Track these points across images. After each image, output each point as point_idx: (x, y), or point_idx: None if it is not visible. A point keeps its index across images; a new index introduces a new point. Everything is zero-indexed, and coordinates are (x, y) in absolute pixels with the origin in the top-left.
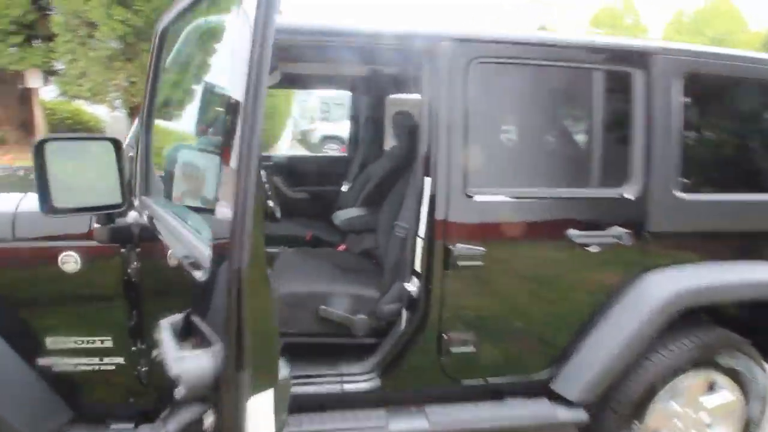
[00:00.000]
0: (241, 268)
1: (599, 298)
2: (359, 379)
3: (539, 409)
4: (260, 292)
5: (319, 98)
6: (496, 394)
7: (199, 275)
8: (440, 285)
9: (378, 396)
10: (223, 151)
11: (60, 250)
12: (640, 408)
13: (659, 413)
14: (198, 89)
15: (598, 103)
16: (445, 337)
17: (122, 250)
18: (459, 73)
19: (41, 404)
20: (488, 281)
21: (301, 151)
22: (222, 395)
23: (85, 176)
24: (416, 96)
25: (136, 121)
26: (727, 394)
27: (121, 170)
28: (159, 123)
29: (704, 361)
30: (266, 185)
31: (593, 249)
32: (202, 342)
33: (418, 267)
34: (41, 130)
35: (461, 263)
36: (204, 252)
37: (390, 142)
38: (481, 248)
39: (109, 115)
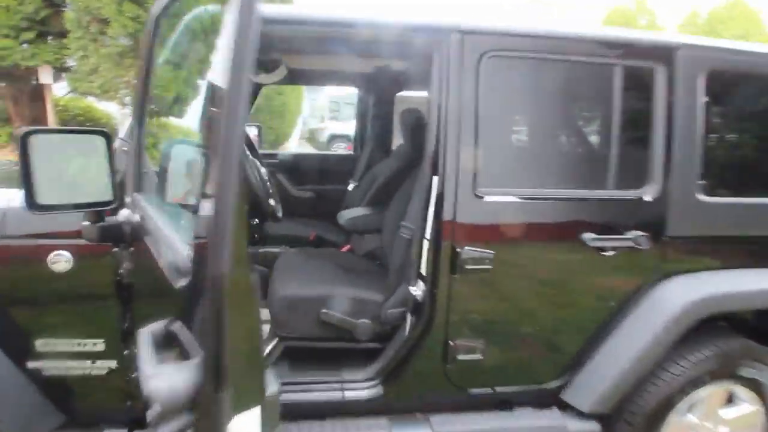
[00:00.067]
0: (220, 274)
1: (614, 304)
2: (361, 386)
3: (549, 420)
4: (243, 301)
5: (330, 97)
6: (504, 403)
7: (178, 280)
8: (447, 289)
9: (380, 404)
10: (205, 145)
11: (51, 248)
12: (655, 420)
13: (676, 426)
14: (191, 80)
15: (617, 100)
16: (451, 343)
17: (114, 249)
18: (469, 67)
19: (31, 409)
20: (497, 286)
21: (308, 150)
22: (200, 418)
23: (74, 172)
24: (425, 93)
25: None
26: (747, 407)
27: (111, 165)
28: (152, 116)
29: (724, 371)
30: (268, 183)
31: (609, 253)
32: (183, 353)
33: (424, 270)
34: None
35: (469, 267)
36: (183, 253)
37: (398, 141)
38: (491, 251)
39: (119, 112)
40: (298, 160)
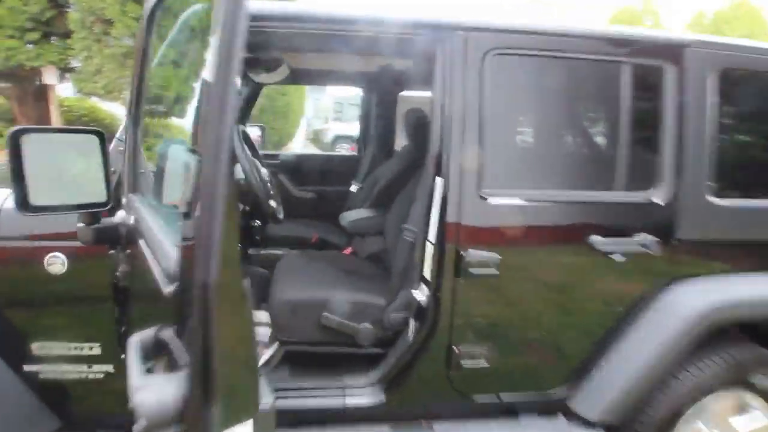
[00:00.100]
0: (208, 281)
1: (622, 309)
2: (362, 393)
3: (555, 428)
4: (234, 309)
5: (334, 98)
6: (509, 411)
7: (166, 285)
8: (451, 294)
9: (382, 411)
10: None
11: (46, 250)
12: (665, 429)
13: None
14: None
15: (625, 99)
16: (455, 349)
17: (111, 251)
18: (474, 65)
19: (27, 412)
20: (503, 290)
21: (311, 151)
22: None
23: (67, 172)
24: (428, 93)
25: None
26: (759, 416)
27: (106, 165)
28: (148, 115)
29: (736, 380)
30: (269, 184)
31: (617, 257)
32: (172, 363)
33: (427, 274)
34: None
35: (474, 270)
36: (172, 257)
37: (401, 142)
38: (496, 255)
39: (123, 112)
40: (300, 160)
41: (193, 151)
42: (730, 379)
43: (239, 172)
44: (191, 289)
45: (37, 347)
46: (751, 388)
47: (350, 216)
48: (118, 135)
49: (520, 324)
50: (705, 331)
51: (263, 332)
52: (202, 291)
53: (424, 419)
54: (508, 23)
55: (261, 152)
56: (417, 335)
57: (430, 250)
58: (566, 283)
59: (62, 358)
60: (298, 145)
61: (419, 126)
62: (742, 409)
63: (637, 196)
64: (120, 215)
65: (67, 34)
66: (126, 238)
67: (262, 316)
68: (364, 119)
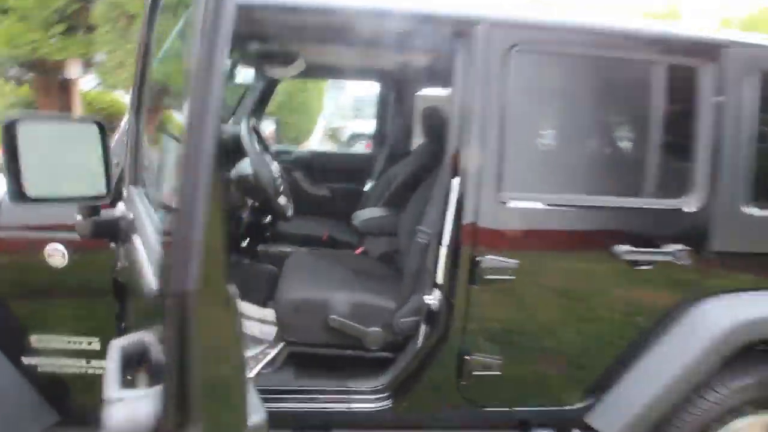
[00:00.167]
0: (185, 289)
1: (647, 323)
2: (369, 398)
3: None
4: (218, 321)
5: (353, 96)
6: (522, 424)
7: (151, 286)
8: (464, 300)
9: (389, 418)
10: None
11: (46, 241)
12: None
13: None
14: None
15: (658, 100)
16: (466, 357)
17: (111, 245)
18: (496, 61)
19: (25, 406)
20: (519, 298)
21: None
22: None
23: (65, 162)
24: (447, 91)
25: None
26: None
27: (106, 156)
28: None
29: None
30: (279, 180)
31: (643, 267)
32: (153, 375)
33: (440, 278)
34: None
35: (489, 277)
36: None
37: (418, 140)
38: (513, 261)
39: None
40: (314, 157)
41: (174, 138)
42: (763, 401)
43: (247, 168)
44: (167, 298)
45: (35, 340)
46: None
47: (363, 215)
48: (123, 126)
49: (537, 334)
50: (737, 349)
51: (268, 331)
52: (179, 300)
53: (432, 428)
54: (534, 18)
55: (275, 148)
56: (427, 342)
57: (444, 253)
58: (587, 294)
59: (61, 351)
60: (315, 142)
61: (437, 124)
62: None
63: (666, 204)
64: (120, 208)
65: (91, 28)
66: (125, 233)
67: (268, 314)
68: (381, 116)
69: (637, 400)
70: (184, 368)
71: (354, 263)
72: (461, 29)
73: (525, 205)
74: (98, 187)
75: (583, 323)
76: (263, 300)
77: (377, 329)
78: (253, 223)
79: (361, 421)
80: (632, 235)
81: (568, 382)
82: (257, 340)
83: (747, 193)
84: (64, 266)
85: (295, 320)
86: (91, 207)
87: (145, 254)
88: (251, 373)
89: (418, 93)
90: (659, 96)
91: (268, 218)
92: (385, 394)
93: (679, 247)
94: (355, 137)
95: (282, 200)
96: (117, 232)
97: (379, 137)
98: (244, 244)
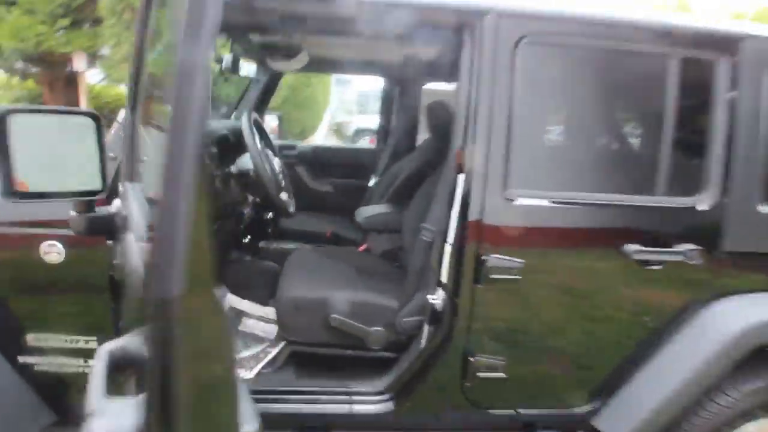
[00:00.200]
0: (168, 296)
1: (656, 324)
2: (371, 400)
3: None
4: (205, 327)
5: (358, 91)
6: (528, 426)
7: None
8: (469, 300)
9: (391, 420)
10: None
11: (43, 238)
12: None
13: None
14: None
15: (671, 95)
16: (471, 359)
17: (109, 242)
18: (504, 54)
19: (21, 406)
20: (525, 299)
21: (333, 143)
22: None
23: (59, 156)
24: (454, 85)
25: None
26: None
27: (102, 150)
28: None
29: None
30: (281, 176)
31: (653, 267)
32: (139, 383)
33: (444, 277)
34: None
35: (495, 276)
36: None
37: (423, 136)
38: (520, 260)
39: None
40: (318, 152)
41: (158, 128)
42: None
43: (248, 163)
44: (149, 303)
45: (32, 338)
46: None
47: (366, 211)
48: (119, 120)
49: (543, 335)
50: (750, 351)
51: (270, 329)
52: (162, 307)
53: (435, 431)
54: (544, 8)
55: (278, 142)
56: (431, 342)
57: (448, 252)
58: (595, 294)
59: (58, 350)
60: (321, 137)
61: (442, 119)
62: None
63: (678, 202)
64: (116, 204)
65: (96, 21)
66: (121, 230)
67: (269, 312)
68: (385, 111)
69: (645, 404)
70: (168, 379)
71: (357, 261)
72: (468, 20)
73: (532, 203)
74: (93, 182)
75: (591, 324)
76: (265, 298)
77: (379, 329)
78: (255, 219)
79: (362, 423)
80: (642, 234)
81: (575, 384)
82: (258, 339)
83: (762, 192)
84: (60, 263)
85: (295, 319)
86: (86, 203)
87: (137, 253)
88: (251, 373)
89: (424, 87)
90: (673, 90)
91: (270, 214)
92: (388, 396)
93: (691, 246)
94: (360, 132)
95: (284, 196)
96: (113, 229)
97: (383, 132)
98: (246, 240)
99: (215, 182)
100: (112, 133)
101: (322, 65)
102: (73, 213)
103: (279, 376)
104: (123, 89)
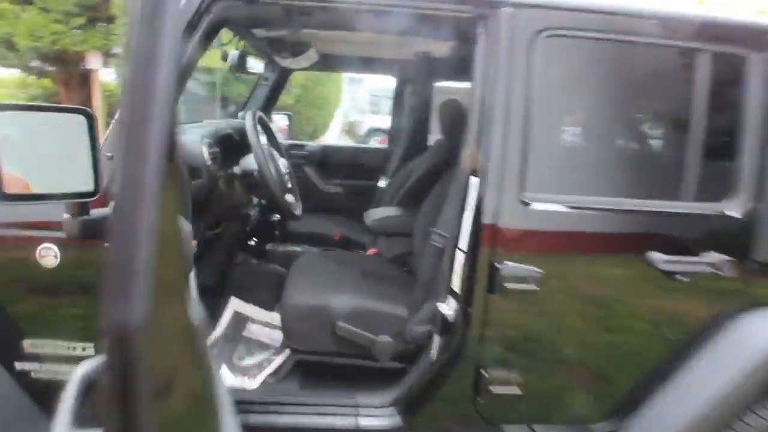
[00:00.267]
0: (126, 327)
1: (683, 339)
2: (378, 413)
3: None
4: (176, 361)
5: (371, 90)
6: None
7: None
8: (482, 310)
9: None
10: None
11: (39, 240)
12: None
13: None
14: None
15: (700, 93)
16: (484, 373)
17: (106, 245)
18: (522, 48)
19: (18, 413)
20: (542, 310)
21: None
22: None
23: (50, 156)
24: (467, 84)
25: None
26: None
27: (95, 150)
28: None
29: None
30: (286, 177)
31: (681, 278)
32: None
33: (456, 286)
34: (101, 112)
35: (510, 285)
36: None
37: (436, 136)
38: (537, 269)
39: None
40: (328, 152)
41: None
42: None
43: (252, 164)
44: (104, 334)
45: (29, 345)
46: None
47: (376, 214)
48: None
49: (562, 348)
50: None
51: (276, 336)
52: (119, 339)
53: None
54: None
55: (287, 142)
56: (441, 354)
57: (460, 259)
58: (616, 305)
59: (55, 357)
60: (333, 137)
61: (455, 118)
62: None
63: (708, 208)
64: (112, 206)
65: (111, 20)
66: None
67: (275, 317)
68: (396, 110)
69: (671, 423)
70: (130, 417)
71: (365, 265)
72: (483, 12)
73: (550, 208)
74: (87, 183)
75: (613, 339)
76: (271, 302)
77: (387, 338)
78: (261, 221)
79: None
80: (669, 243)
81: (595, 401)
82: (263, 346)
83: None
84: (56, 267)
85: (300, 327)
86: (80, 205)
87: None
88: (255, 382)
89: (436, 85)
90: (701, 88)
91: (277, 216)
92: (396, 410)
93: (721, 256)
94: (373, 132)
95: (289, 198)
96: (107, 233)
97: (394, 132)
98: (252, 242)
99: (219, 183)
100: (108, 132)
101: (331, 63)
102: (66, 216)
103: (283, 385)
104: None
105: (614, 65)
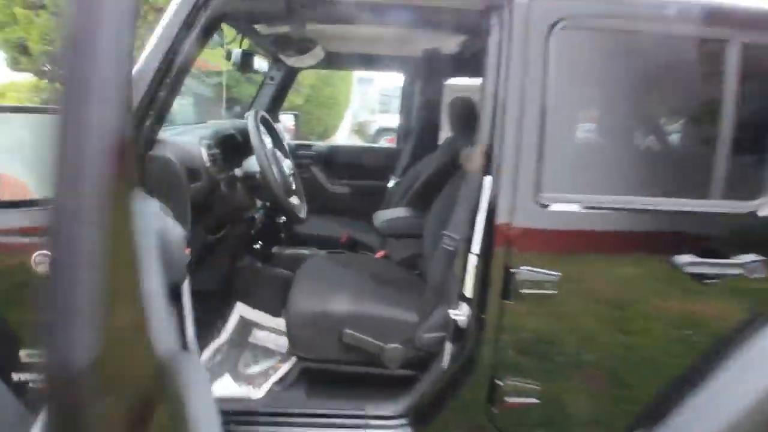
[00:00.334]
0: (70, 366)
1: (712, 346)
2: (388, 424)
3: None
4: (137, 397)
5: (381, 89)
6: None
7: None
8: (496, 317)
9: None
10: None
11: (34, 247)
12: None
13: None
14: None
15: (729, 86)
16: (498, 381)
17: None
18: (536, 40)
19: (15, 427)
20: (560, 316)
21: (354, 142)
22: None
23: (39, 159)
24: (478, 81)
25: None
26: None
27: None
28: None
29: None
30: (291, 178)
31: (709, 281)
32: None
33: (468, 291)
34: None
35: (526, 291)
36: None
37: (446, 134)
38: (555, 273)
39: None
40: (335, 152)
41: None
42: None
43: (254, 165)
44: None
45: (25, 355)
46: None
47: (384, 215)
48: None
49: (581, 357)
50: None
51: (282, 342)
52: (60, 385)
53: None
54: None
55: (294, 142)
56: (453, 362)
57: (473, 263)
58: (640, 311)
59: None
60: (342, 137)
61: (466, 116)
62: None
63: (737, 207)
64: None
65: None
66: None
67: (281, 323)
68: (406, 109)
69: None
70: None
71: (373, 269)
72: (497, 2)
73: (568, 208)
74: None
75: (636, 347)
76: (277, 307)
77: (397, 346)
78: (266, 224)
79: None
80: (695, 244)
81: (616, 411)
82: (269, 352)
83: None
84: None
85: (306, 334)
86: None
87: None
88: (260, 391)
89: (446, 82)
90: (731, 80)
91: (283, 218)
92: (406, 421)
93: (753, 257)
94: (382, 131)
95: (294, 200)
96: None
97: (404, 130)
98: (258, 246)
99: (220, 186)
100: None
101: (338, 60)
102: None
103: (290, 394)
104: None
105: (635, 57)
